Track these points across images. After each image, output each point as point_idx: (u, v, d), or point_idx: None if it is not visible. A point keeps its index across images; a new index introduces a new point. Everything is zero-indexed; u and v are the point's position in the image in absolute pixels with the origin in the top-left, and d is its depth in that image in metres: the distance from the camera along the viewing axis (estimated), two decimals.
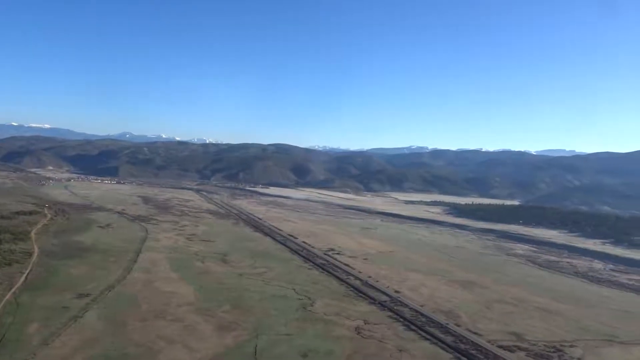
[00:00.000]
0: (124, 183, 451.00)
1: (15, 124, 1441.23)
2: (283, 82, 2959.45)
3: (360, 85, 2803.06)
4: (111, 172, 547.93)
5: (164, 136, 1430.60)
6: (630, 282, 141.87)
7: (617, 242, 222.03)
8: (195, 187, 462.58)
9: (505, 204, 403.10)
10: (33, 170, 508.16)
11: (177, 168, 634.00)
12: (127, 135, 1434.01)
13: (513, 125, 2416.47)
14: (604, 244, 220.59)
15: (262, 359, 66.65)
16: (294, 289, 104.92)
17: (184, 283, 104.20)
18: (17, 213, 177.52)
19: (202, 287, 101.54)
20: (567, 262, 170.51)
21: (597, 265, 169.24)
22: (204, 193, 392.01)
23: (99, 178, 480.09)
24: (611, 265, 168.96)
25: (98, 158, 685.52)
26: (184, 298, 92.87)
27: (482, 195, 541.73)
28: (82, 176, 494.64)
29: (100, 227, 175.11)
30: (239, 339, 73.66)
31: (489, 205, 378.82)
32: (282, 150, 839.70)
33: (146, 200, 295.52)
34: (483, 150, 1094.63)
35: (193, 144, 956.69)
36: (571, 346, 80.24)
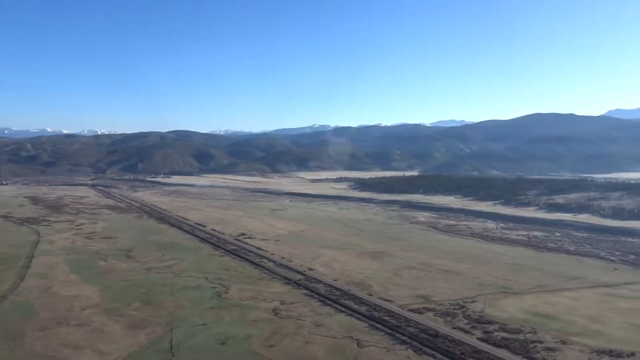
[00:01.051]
0: (6, 184, 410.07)
1: None
2: (180, 65, 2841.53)
3: (260, 66, 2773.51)
4: None
5: (49, 130, 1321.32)
6: (519, 238, 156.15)
7: (506, 203, 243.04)
8: (90, 182, 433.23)
9: (405, 175, 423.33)
10: None
11: (67, 163, 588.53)
12: (6, 132, 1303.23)
13: (409, 100, 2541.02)
14: (495, 205, 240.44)
15: (179, 353, 64.63)
16: (207, 278, 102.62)
17: (86, 285, 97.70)
18: None
19: (108, 287, 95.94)
20: (464, 225, 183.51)
21: (490, 225, 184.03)
22: (101, 188, 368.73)
23: None
24: (502, 224, 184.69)
25: None
26: (89, 300, 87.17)
27: (384, 169, 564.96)
28: None
29: None
30: (152, 335, 70.76)
31: (391, 177, 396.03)
32: (182, 137, 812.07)
33: (35, 200, 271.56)
34: (382, 125, 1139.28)
35: (83, 137, 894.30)
36: (473, 301, 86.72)
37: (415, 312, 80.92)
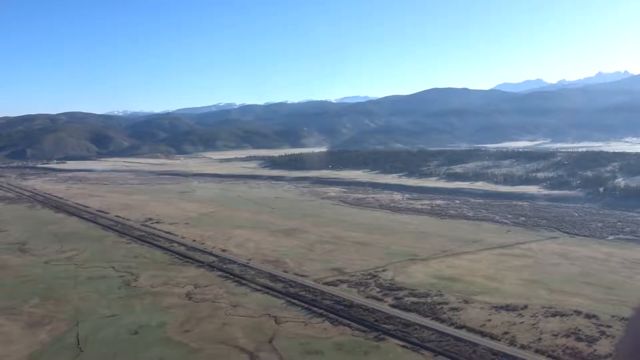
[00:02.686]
0: None
1: None
2: (65, 39, 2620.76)
3: (158, 43, 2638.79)
4: None
5: None
6: (423, 207, 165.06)
7: (410, 174, 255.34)
8: None
9: (314, 151, 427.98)
10: None
11: None
12: None
13: (314, 78, 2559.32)
14: (400, 177, 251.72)
15: (88, 347, 61.09)
16: (113, 267, 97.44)
17: None
18: None
19: (1, 285, 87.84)
20: (372, 198, 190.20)
21: (397, 196, 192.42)
22: None
23: None
24: (407, 195, 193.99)
25: None
26: None
27: (293, 146, 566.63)
28: None
29: None
30: (55, 332, 66.13)
31: (300, 154, 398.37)
32: (75, 119, 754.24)
33: None
34: (289, 102, 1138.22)
35: None
36: (383, 270, 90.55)
37: (330, 285, 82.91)
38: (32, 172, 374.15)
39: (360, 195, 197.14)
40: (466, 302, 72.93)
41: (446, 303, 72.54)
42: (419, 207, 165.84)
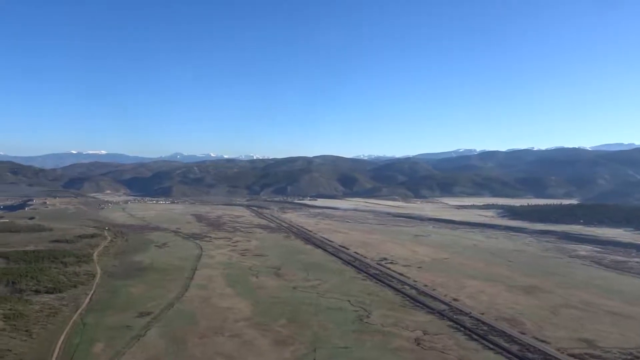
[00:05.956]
0: (177, 202, 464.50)
1: (74, 151, 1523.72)
2: (325, 96, 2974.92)
3: (402, 93, 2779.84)
4: (165, 193, 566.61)
5: (212, 155, 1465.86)
6: None
7: None
8: (246, 202, 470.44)
9: (563, 203, 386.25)
10: (92, 194, 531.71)
11: (227, 185, 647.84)
12: (178, 156, 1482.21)
13: (564, 122, 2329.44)
14: None
15: None
16: (349, 301, 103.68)
17: (239, 298, 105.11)
18: (80, 237, 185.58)
19: (258, 302, 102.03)
20: (637, 262, 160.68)
21: None
22: (254, 208, 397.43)
23: (154, 199, 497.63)
24: None
25: (152, 180, 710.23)
26: (241, 313, 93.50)
27: (537, 196, 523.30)
28: (138, 198, 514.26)
29: (157, 246, 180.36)
30: (296, 353, 73.16)
31: (546, 205, 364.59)
32: (327, 162, 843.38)
33: (199, 218, 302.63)
34: (535, 149, 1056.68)
35: (241, 161, 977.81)
36: None
37: (576, 358, 72.21)
38: (289, 206, 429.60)
39: (619, 258, 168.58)
40: None
41: None
42: None
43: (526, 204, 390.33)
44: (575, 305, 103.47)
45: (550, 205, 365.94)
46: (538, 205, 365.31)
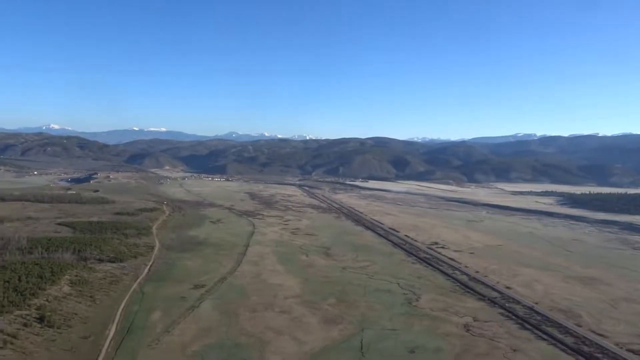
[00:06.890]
0: (231, 180, 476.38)
1: (136, 128, 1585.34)
2: (377, 73, 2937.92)
3: (461, 74, 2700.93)
4: (220, 170, 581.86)
5: (266, 134, 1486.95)
6: None
7: None
8: (298, 182, 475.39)
9: (628, 192, 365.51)
10: (152, 170, 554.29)
11: (279, 164, 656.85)
12: (234, 135, 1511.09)
13: (632, 106, 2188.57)
14: None
15: (368, 354, 66.44)
16: (398, 284, 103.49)
17: (290, 276, 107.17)
18: (140, 210, 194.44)
19: (307, 280, 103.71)
20: None
21: None
22: (306, 188, 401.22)
23: (210, 176, 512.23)
24: None
25: (208, 157, 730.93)
26: (291, 290, 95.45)
27: (600, 184, 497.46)
28: (195, 174, 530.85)
29: (212, 222, 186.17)
30: (344, 332, 74.09)
31: (610, 194, 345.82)
32: (380, 144, 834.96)
33: (252, 196, 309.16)
34: (600, 135, 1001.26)
35: (294, 141, 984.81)
36: None
37: (636, 354, 69.16)
38: (341, 187, 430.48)
39: None
40: None
41: None
42: None
43: (588, 192, 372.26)
44: (637, 300, 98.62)
45: (614, 194, 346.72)
46: (600, 194, 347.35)
